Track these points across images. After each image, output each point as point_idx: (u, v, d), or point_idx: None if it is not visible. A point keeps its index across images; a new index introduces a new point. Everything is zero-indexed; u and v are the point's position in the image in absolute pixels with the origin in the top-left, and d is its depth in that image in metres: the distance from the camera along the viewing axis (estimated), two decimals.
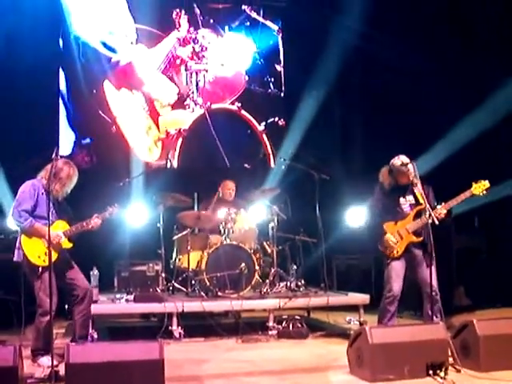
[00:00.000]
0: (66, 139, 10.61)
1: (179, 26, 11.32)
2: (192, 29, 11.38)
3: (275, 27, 11.85)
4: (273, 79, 11.74)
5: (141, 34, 11.05)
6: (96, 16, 10.90)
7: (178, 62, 11.29)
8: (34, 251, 6.03)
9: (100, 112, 10.69)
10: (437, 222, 6.35)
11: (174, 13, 11.27)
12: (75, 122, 10.70)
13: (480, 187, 6.54)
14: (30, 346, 6.09)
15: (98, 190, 9.13)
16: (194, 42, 11.34)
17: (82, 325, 6.34)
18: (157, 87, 11.08)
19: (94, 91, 10.74)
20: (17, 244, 6.18)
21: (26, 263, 6.06)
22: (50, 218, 5.92)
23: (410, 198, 6.84)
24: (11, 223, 8.08)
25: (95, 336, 7.17)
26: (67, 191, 6.34)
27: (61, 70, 10.68)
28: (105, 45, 10.84)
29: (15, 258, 6.20)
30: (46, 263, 5.80)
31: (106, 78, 10.78)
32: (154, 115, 11.06)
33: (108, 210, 6.48)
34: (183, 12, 11.33)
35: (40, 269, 5.96)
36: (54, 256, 6.08)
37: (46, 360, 5.83)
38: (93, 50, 10.77)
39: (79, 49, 10.72)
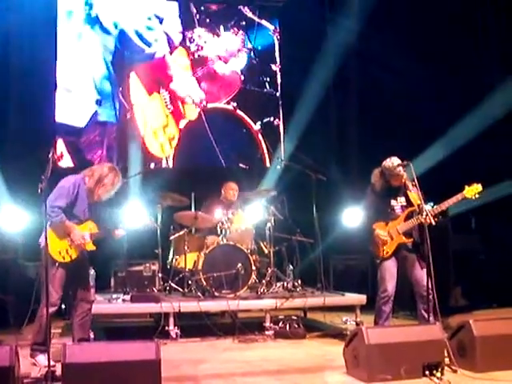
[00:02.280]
0: (84, 111, 10.77)
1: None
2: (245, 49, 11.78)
3: (271, 27, 11.89)
4: (268, 79, 11.79)
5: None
6: (139, 8, 11.26)
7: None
8: (56, 246, 6.01)
9: (120, 96, 10.92)
10: (433, 223, 6.35)
11: None
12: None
13: (472, 190, 6.48)
14: (27, 345, 6.06)
15: None
16: (190, 41, 11.41)
17: (80, 328, 6.28)
18: (184, 87, 11.26)
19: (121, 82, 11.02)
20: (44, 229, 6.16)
21: (46, 253, 6.02)
22: (83, 216, 6.15)
23: (402, 199, 6.84)
24: (4, 221, 8.12)
25: (92, 336, 7.15)
26: (108, 197, 6.37)
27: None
28: (140, 36, 11.14)
29: (40, 241, 6.14)
30: (65, 260, 6.01)
31: (134, 69, 11.07)
32: (177, 115, 11.19)
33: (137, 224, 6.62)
34: None
35: (57, 264, 5.98)
36: (74, 254, 6.10)
37: (43, 358, 5.83)
38: (128, 38, 11.11)
39: (116, 34, 11.08)
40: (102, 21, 10.98)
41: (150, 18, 11.27)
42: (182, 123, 11.22)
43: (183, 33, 11.43)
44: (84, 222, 6.20)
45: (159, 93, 11.09)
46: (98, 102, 10.80)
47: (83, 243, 6.13)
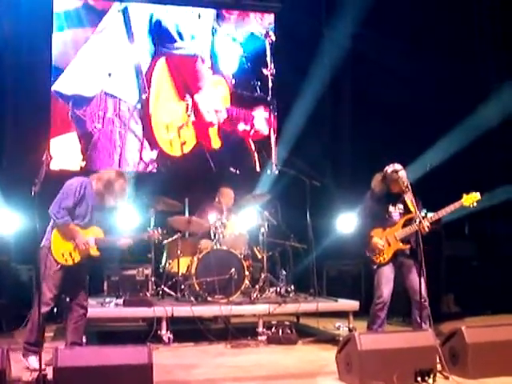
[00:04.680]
0: (94, 82, 10.85)
1: None
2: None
3: (263, 31, 11.88)
4: (259, 83, 11.77)
5: None
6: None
7: None
8: (60, 248, 6.02)
9: (142, 75, 11.06)
10: (426, 230, 6.38)
11: None
12: None
13: (471, 199, 6.50)
14: (19, 349, 6.05)
15: None
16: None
17: (74, 332, 6.25)
18: (207, 103, 11.36)
19: (144, 67, 11.10)
20: (48, 228, 6.15)
21: (47, 252, 6.02)
22: (87, 221, 6.17)
23: (400, 206, 6.85)
24: None
25: (84, 340, 7.14)
26: (115, 203, 6.37)
27: None
28: (176, 27, 11.23)
29: (43, 242, 6.14)
30: (68, 262, 6.02)
31: (166, 55, 11.19)
32: (199, 125, 11.28)
33: (148, 233, 6.60)
34: None
35: (59, 266, 5.98)
36: (77, 258, 6.10)
37: (34, 360, 5.82)
38: (164, 27, 11.25)
39: (152, 21, 11.16)
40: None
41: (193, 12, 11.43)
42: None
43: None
44: (89, 226, 6.20)
45: (184, 96, 11.23)
46: (109, 75, 10.89)
47: (87, 249, 6.12)
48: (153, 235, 6.90)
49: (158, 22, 11.18)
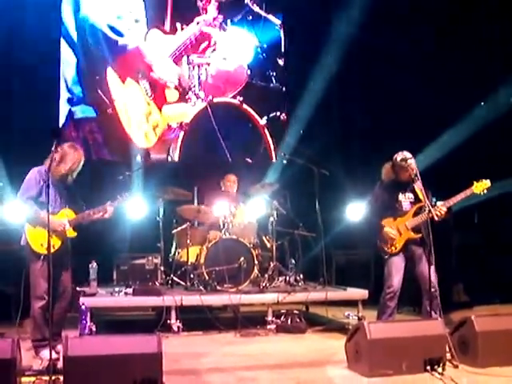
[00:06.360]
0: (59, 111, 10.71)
1: (205, 12, 11.53)
2: (220, 16, 11.59)
3: (277, 21, 11.86)
4: (275, 73, 11.76)
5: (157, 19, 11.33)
6: None
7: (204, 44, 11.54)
8: (37, 239, 6.00)
9: (99, 91, 10.80)
10: (436, 219, 6.36)
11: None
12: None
13: (481, 186, 6.51)
14: (28, 338, 6.09)
15: (98, 184, 9.14)
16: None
17: (56, 322, 6.11)
18: (165, 71, 11.19)
19: (97, 77, 10.85)
20: (21, 229, 6.16)
21: (28, 249, 6.05)
22: (56, 206, 6.11)
23: (410, 195, 6.83)
24: (9, 213, 8.09)
25: (94, 329, 7.18)
26: (74, 175, 6.28)
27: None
28: (112, 28, 10.97)
29: (21, 242, 6.18)
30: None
31: (110, 64, 10.89)
32: (159, 101, 11.15)
33: (118, 199, 6.48)
34: None
35: (42, 257, 5.95)
36: (57, 244, 6.10)
37: (47, 353, 5.82)
38: (100, 32, 10.92)
39: (85, 30, 10.86)
40: (66, 20, 10.87)
41: (119, 8, 11.13)
42: (169, 110, 11.17)
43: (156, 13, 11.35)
44: (59, 210, 6.17)
45: (138, 82, 11.03)
46: (70, 101, 10.72)
47: (63, 230, 6.11)
48: (119, 200, 6.71)
49: (94, 28, 10.91)
